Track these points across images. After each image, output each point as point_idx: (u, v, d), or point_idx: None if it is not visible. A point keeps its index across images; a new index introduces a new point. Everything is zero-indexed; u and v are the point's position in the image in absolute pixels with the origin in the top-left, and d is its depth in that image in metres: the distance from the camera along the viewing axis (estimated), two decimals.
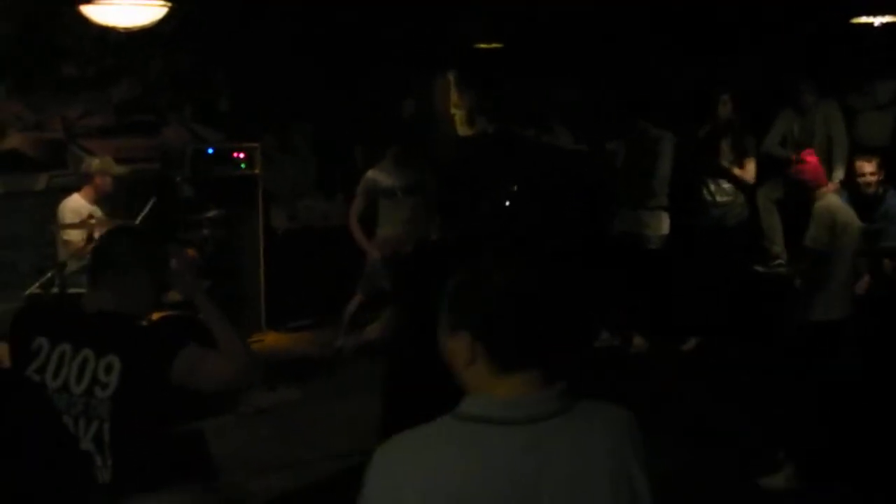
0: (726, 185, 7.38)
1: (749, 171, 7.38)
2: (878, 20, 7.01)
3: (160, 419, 2.61)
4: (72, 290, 6.15)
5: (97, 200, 6.57)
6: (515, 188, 8.19)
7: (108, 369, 2.58)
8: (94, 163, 6.64)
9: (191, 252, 6.67)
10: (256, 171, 7.81)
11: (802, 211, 6.55)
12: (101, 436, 2.59)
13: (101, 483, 2.59)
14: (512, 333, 1.77)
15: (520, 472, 1.69)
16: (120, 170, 6.68)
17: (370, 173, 7.19)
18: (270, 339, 7.94)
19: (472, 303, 1.80)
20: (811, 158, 5.86)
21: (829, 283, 5.25)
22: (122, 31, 6.00)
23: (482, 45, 9.15)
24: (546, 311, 1.80)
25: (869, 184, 6.52)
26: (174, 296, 6.29)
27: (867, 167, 6.55)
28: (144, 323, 5.62)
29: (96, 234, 6.09)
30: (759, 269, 7.82)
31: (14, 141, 7.29)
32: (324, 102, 8.58)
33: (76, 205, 6.50)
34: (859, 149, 7.25)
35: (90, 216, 6.34)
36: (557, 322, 1.81)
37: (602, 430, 1.78)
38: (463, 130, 9.90)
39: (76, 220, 6.34)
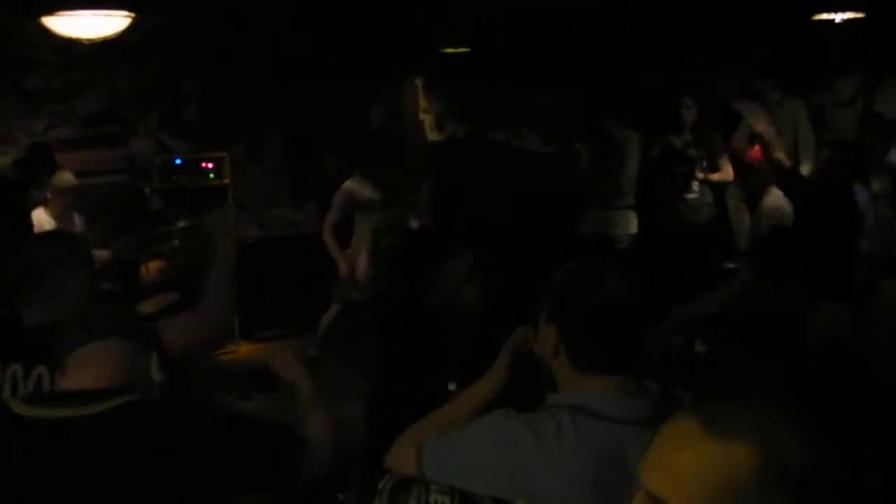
0: (693, 183, 7.42)
1: (727, 171, 7.38)
2: (838, 17, 7.07)
3: None
4: None
5: (60, 216, 6.49)
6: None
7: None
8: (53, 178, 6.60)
9: (160, 264, 6.62)
10: (226, 180, 7.77)
11: None
12: None
13: None
14: (590, 342, 1.83)
15: (623, 466, 1.70)
16: (68, 180, 6.55)
17: (347, 184, 7.16)
18: (243, 350, 7.90)
19: (561, 304, 1.88)
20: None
21: None
22: (86, 42, 5.95)
23: (449, 50, 9.15)
24: (629, 324, 1.84)
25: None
26: (143, 308, 6.26)
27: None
28: None
29: None
30: (730, 266, 7.87)
31: None
32: (293, 111, 8.55)
33: (39, 219, 6.42)
34: (825, 145, 7.33)
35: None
36: (638, 333, 1.86)
37: None
38: (432, 135, 9.90)
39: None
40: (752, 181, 6.29)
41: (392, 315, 4.79)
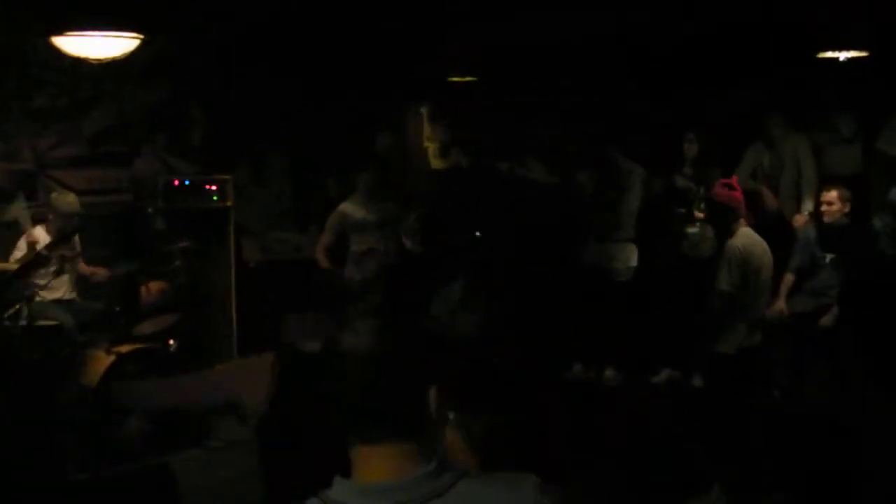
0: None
1: None
2: (843, 55, 7.11)
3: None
4: (40, 323, 6.10)
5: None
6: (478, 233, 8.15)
7: None
8: (51, 196, 6.68)
9: (161, 284, 6.65)
10: (228, 203, 7.79)
11: (778, 242, 6.61)
12: None
13: None
14: (346, 404, 1.61)
15: None
16: (70, 203, 6.58)
17: (342, 207, 7.20)
18: None
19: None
20: (738, 186, 6.01)
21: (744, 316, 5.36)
22: (94, 62, 5.98)
23: (455, 79, 9.20)
24: (377, 382, 1.59)
25: (824, 213, 6.65)
26: (143, 328, 6.28)
27: (826, 196, 6.68)
28: (112, 355, 5.59)
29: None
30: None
31: None
32: (297, 135, 8.59)
33: (39, 236, 6.43)
34: (827, 181, 7.34)
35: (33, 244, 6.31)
36: (397, 395, 1.60)
37: None
38: (436, 164, 9.93)
39: (24, 248, 6.33)
40: (720, 219, 6.31)
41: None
